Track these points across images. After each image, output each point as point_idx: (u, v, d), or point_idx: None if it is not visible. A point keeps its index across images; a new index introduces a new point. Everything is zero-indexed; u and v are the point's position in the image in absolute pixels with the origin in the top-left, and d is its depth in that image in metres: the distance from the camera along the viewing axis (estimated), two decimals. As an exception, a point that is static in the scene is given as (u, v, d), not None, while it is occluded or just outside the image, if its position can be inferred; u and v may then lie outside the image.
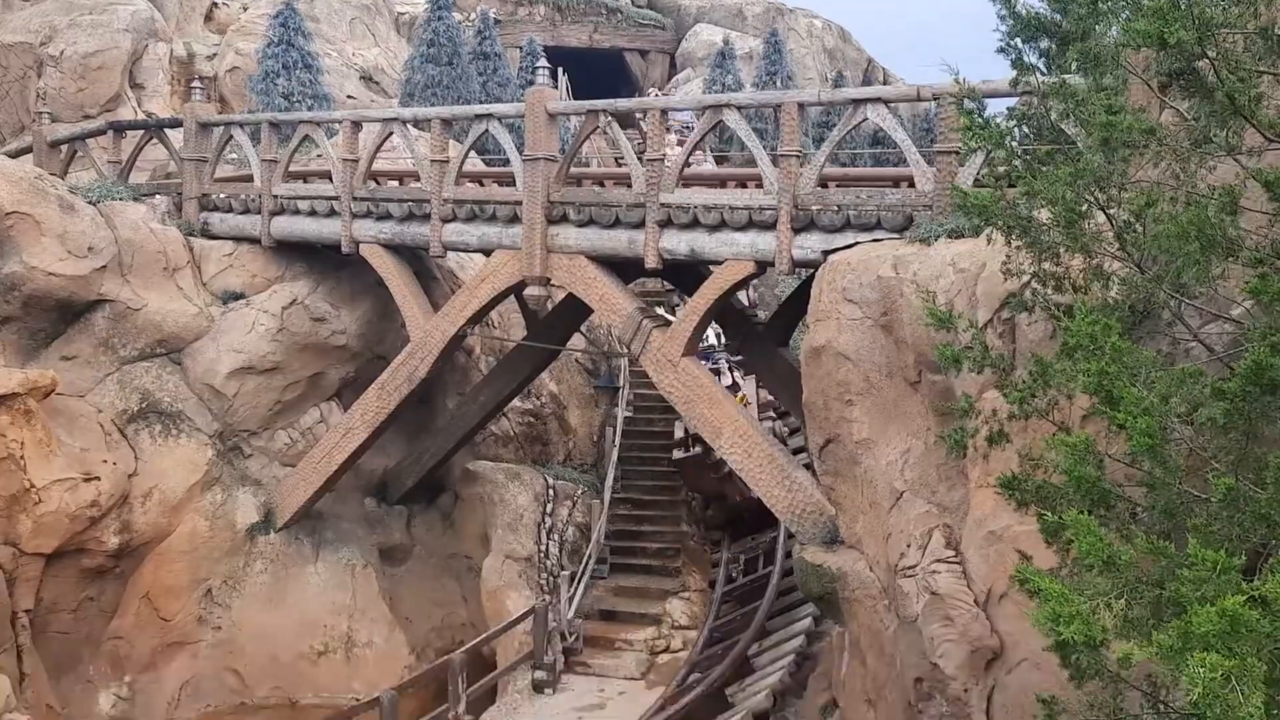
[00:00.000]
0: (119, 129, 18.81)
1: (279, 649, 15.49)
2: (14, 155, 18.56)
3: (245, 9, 31.19)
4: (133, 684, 14.87)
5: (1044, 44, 6.87)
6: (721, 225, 12.34)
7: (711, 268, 13.46)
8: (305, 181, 17.30)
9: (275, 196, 16.50)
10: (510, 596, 15.81)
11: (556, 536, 16.99)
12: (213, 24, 31.11)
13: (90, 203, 16.02)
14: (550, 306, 16.47)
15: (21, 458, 13.65)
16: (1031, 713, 7.46)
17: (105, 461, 14.68)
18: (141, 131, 18.72)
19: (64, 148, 19.19)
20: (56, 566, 14.22)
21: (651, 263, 12.92)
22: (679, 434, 17.74)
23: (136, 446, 15.29)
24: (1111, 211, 5.38)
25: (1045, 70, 6.76)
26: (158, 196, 17.77)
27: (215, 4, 31.88)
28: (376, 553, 16.75)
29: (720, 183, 14.80)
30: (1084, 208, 5.48)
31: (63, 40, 25.83)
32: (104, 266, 15.48)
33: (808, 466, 12.24)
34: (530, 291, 14.15)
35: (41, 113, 20.05)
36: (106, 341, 15.51)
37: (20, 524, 13.64)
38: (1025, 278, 6.18)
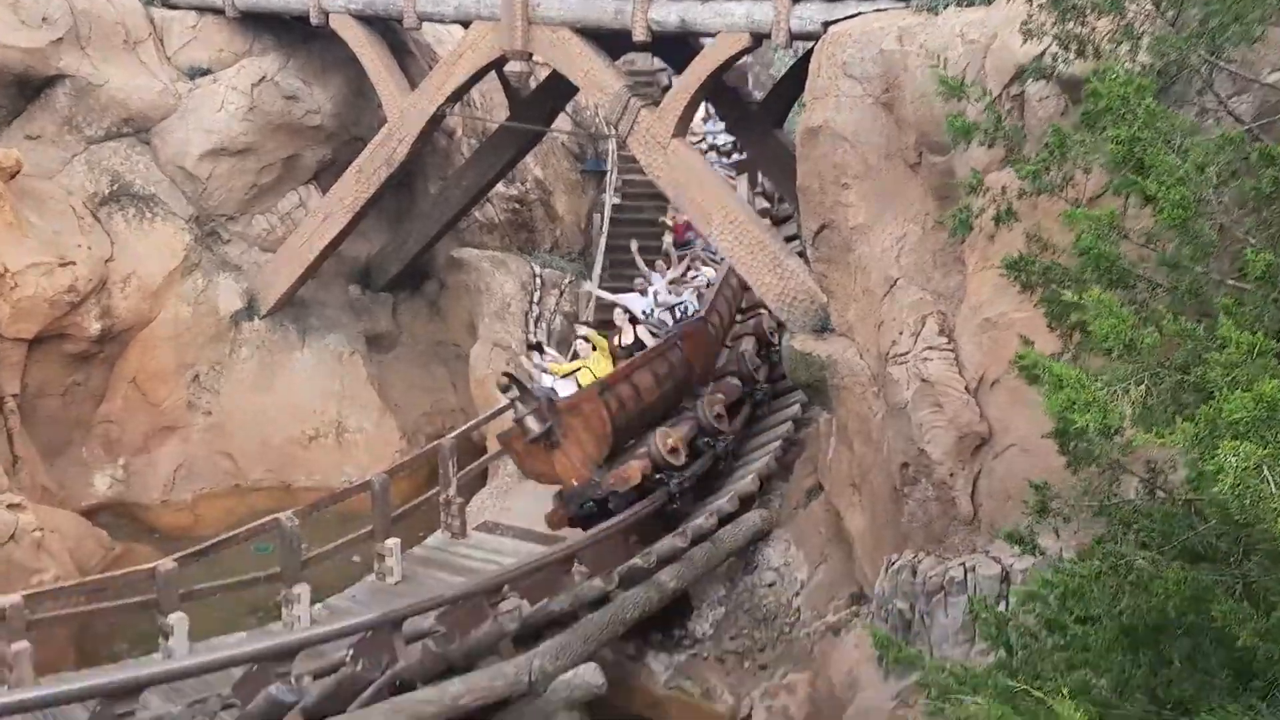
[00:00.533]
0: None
1: (270, 434, 15.60)
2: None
3: None
4: (127, 466, 15.03)
5: None
6: (716, -7, 11.57)
7: (704, 41, 12.72)
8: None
9: (239, -37, 15.37)
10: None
11: (544, 325, 16.86)
12: None
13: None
14: (533, 84, 15.72)
15: (-8, 241, 13.26)
16: (1017, 496, 7.51)
17: (80, 246, 14.29)
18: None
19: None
20: (40, 352, 14.07)
21: (640, 35, 12.20)
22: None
23: (111, 231, 14.87)
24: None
25: None
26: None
27: None
28: (363, 340, 16.64)
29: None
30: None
31: None
32: (60, 39, 14.59)
33: (800, 255, 11.97)
34: (511, 68, 13.43)
35: None
36: (70, 120, 14.83)
37: (-2, 309, 13.40)
38: (1047, 40, 5.71)
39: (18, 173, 13.73)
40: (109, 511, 14.66)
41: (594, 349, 12.32)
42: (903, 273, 9.40)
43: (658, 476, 11.50)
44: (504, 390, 11.04)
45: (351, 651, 8.29)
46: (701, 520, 11.34)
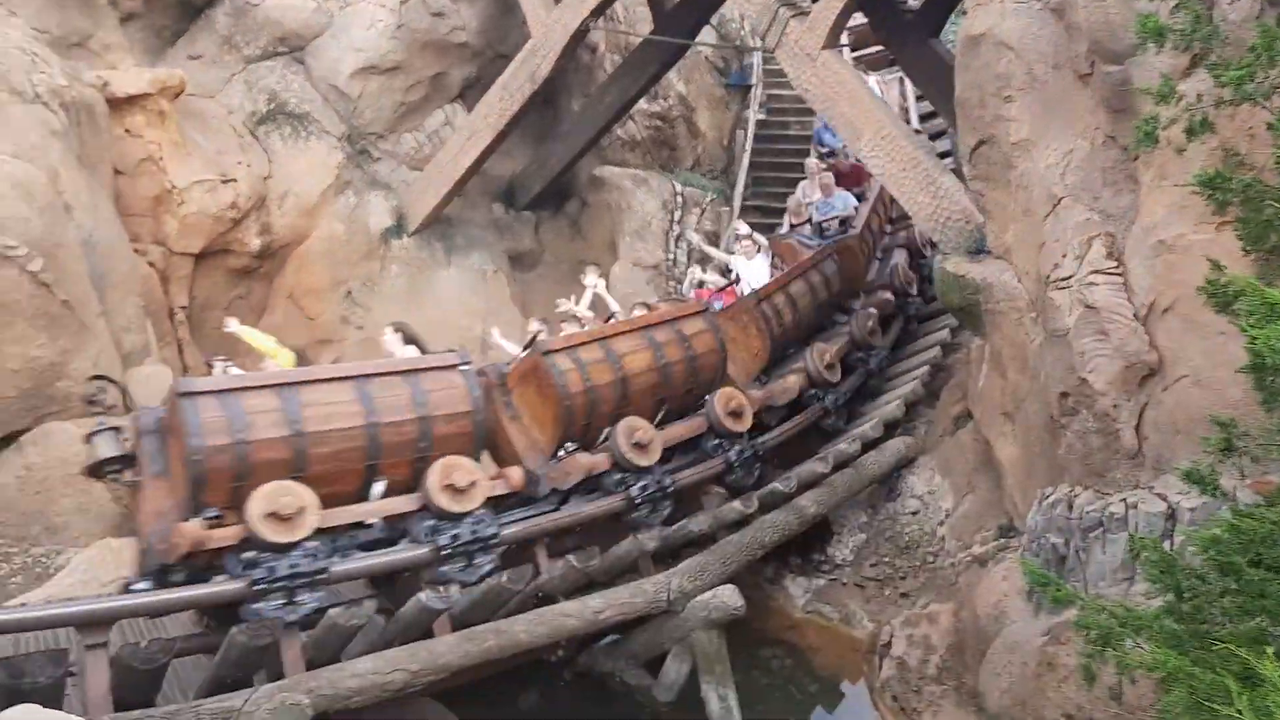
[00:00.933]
0: None
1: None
2: None
3: None
4: (285, 376, 15.69)
5: None
6: (873, -104, 10.98)
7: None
8: None
9: (386, -122, 15.40)
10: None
11: (684, 244, 16.71)
12: None
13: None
14: (677, -3, 15.35)
15: (160, 159, 13.83)
16: (1188, 432, 7.07)
17: (240, 163, 14.78)
18: None
19: None
20: (205, 266, 14.71)
21: (791, -58, 11.70)
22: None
23: (268, 149, 15.32)
24: None
25: None
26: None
27: None
28: (506, 258, 16.82)
29: None
30: None
31: None
32: (218, -41, 14.96)
33: (954, 172, 11.43)
34: (657, -22, 13.10)
35: None
36: (229, 39, 15.26)
37: (166, 224, 14.01)
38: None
39: (181, 92, 14.24)
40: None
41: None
42: (1068, 191, 8.84)
43: (812, 392, 11.36)
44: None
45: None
46: (844, 445, 11.15)
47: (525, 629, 7.86)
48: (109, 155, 13.21)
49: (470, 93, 16.39)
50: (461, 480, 8.05)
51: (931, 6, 14.65)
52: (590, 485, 9.27)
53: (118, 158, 13.45)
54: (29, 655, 6.64)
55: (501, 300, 16.44)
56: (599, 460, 9.25)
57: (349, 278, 15.84)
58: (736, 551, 9.37)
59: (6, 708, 6.16)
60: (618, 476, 9.27)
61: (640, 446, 9.32)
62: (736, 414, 10.19)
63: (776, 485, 10.24)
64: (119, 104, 13.42)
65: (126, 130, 13.59)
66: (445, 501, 7.98)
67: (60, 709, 6.28)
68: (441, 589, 7.71)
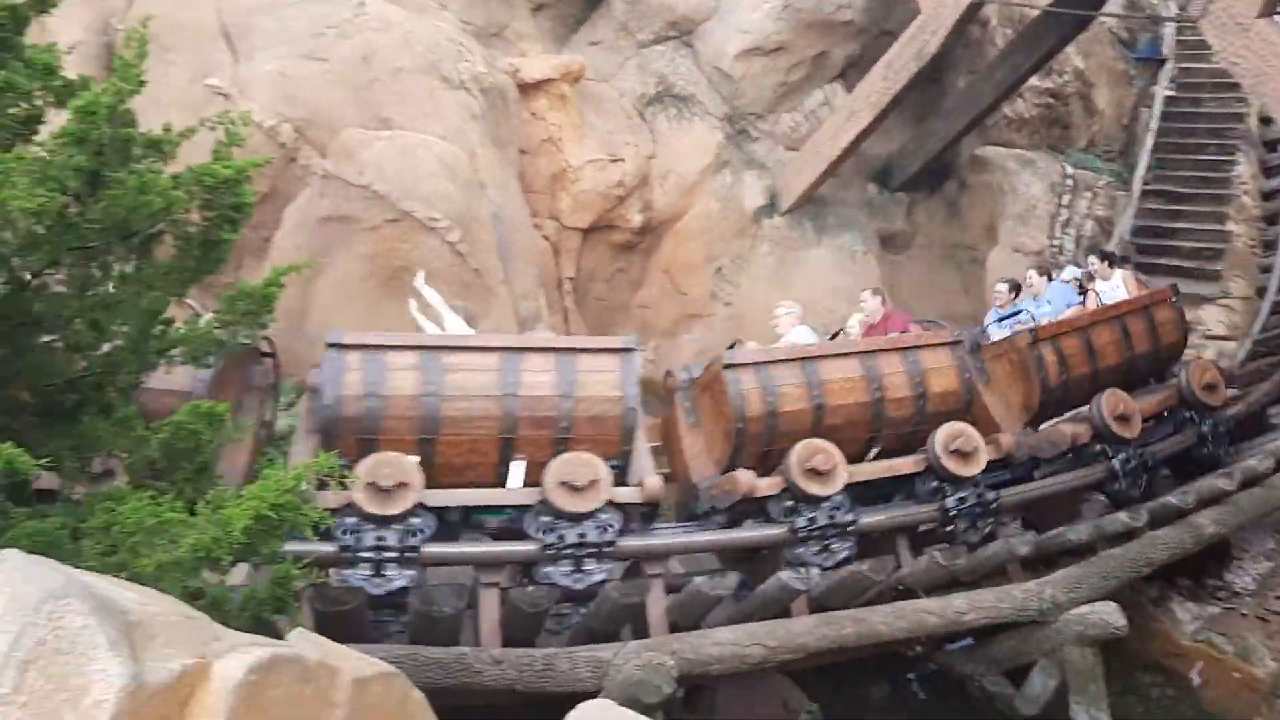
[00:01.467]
0: None
1: (783, 326, 16.18)
2: None
3: None
4: (657, 349, 16.44)
5: None
6: None
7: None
8: None
9: None
10: (1020, 291, 15.00)
11: (1072, 230, 15.62)
12: None
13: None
14: (1085, -34, 14.26)
15: (559, 139, 14.94)
16: None
17: (628, 144, 15.62)
18: None
19: None
20: (591, 240, 15.73)
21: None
22: None
23: (654, 130, 16.06)
24: None
25: None
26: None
27: None
28: (877, 239, 16.56)
29: None
30: None
31: None
32: (619, -50, 15.81)
33: None
34: (1064, -52, 12.25)
35: None
36: (625, 25, 16.12)
37: (560, 201, 15.13)
38: None
39: (581, 77, 15.26)
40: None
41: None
42: None
43: (1098, 448, 9.53)
44: None
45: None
46: (1254, 462, 9.97)
47: (884, 621, 7.76)
48: (517, 136, 14.44)
49: (851, 72, 16.24)
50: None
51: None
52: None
53: (523, 138, 14.68)
54: (437, 586, 7.46)
55: (869, 282, 16.18)
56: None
57: (721, 255, 16.30)
58: (1119, 567, 8.67)
59: (421, 630, 7.02)
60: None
61: (1124, 419, 9.32)
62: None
63: (1170, 499, 9.35)
64: (527, 88, 14.63)
65: (532, 113, 14.79)
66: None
67: (458, 640, 7.06)
68: (802, 570, 7.78)
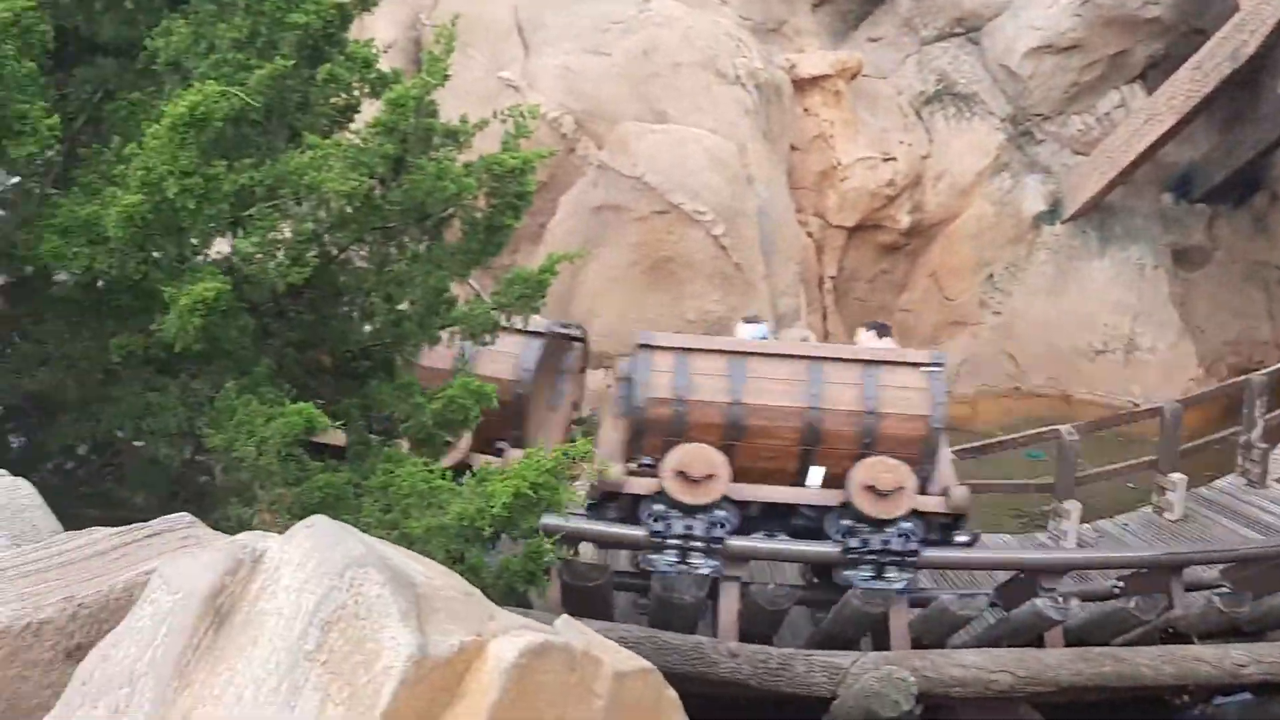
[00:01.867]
0: None
1: (1056, 340, 15.33)
2: None
3: None
4: (919, 354, 16.01)
5: None
6: None
7: None
8: None
9: None
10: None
11: None
12: None
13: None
14: None
15: (830, 136, 14.79)
16: None
17: (901, 143, 15.25)
18: None
19: None
20: (856, 239, 15.48)
21: None
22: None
23: (930, 129, 15.59)
24: None
25: None
26: None
27: None
28: (1169, 253, 15.36)
29: None
30: None
31: None
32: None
33: None
34: None
35: None
36: (909, 22, 15.73)
37: (827, 198, 14.99)
38: None
39: (858, 74, 15.02)
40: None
41: None
42: None
43: None
44: None
45: (1123, 585, 7.90)
46: None
47: (1149, 664, 7.22)
48: (789, 132, 14.42)
49: (1153, 72, 15.11)
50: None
51: None
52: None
53: (795, 134, 14.64)
54: (680, 575, 7.60)
55: (1158, 299, 15.08)
56: None
57: (993, 261, 15.62)
58: None
59: (660, 615, 7.20)
60: None
61: None
62: None
63: None
64: (802, 84, 14.58)
65: (805, 109, 14.73)
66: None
67: (695, 629, 7.18)
68: (1060, 599, 7.36)
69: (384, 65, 5.41)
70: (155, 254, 4.31)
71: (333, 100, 5.03)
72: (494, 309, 5.62)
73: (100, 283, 4.60)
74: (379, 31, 11.15)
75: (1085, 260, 15.31)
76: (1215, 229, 15.64)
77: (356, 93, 5.18)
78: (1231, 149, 14.96)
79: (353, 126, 5.19)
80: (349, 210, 4.68)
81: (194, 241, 4.45)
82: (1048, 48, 14.93)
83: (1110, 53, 15.00)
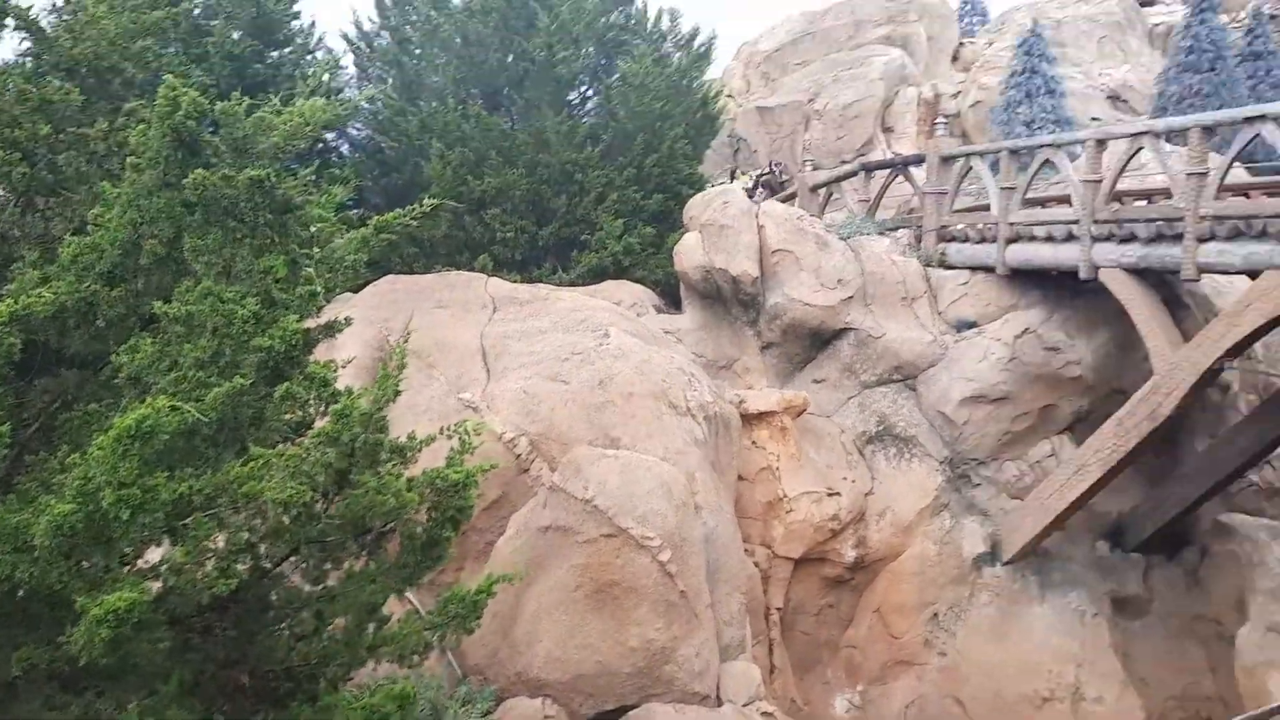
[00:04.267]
0: (868, 169, 20.20)
1: (1002, 686, 15.11)
2: (784, 200, 20.95)
3: (990, 44, 31.60)
4: (864, 693, 15.66)
5: None
6: None
7: None
8: (1043, 207, 16.85)
9: (1011, 224, 16.30)
10: (1274, 677, 13.50)
11: (1338, 614, 14.10)
12: (958, 63, 32.10)
13: (841, 239, 17.44)
14: (1336, 338, 13.79)
15: (777, 469, 15.27)
16: None
17: (845, 479, 15.74)
18: (888, 170, 19.86)
19: (821, 190, 21.14)
20: (801, 572, 15.58)
21: None
22: None
23: (872, 467, 16.15)
24: None
25: None
26: (899, 230, 18.70)
27: (961, 43, 32.87)
28: (1108, 602, 15.52)
29: None
30: None
31: (826, 95, 28.72)
32: (850, 297, 16.70)
33: None
34: (1309, 320, 11.99)
35: (806, 160, 22.38)
36: (850, 367, 16.69)
37: (774, 529, 15.23)
38: None
39: (803, 411, 15.76)
40: (844, 735, 15.33)
41: None
42: None
43: None
44: None
45: None
46: None
47: None
48: (736, 463, 14.89)
49: (1080, 426, 15.96)
50: None
51: None
52: None
53: (742, 465, 15.10)
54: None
55: (1099, 648, 15.06)
56: None
57: (937, 600, 15.69)
58: None
59: None
60: None
61: None
62: None
63: None
64: (750, 419, 15.23)
65: (753, 442, 15.29)
66: None
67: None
68: None
69: (345, 382, 5.71)
70: (83, 563, 4.31)
71: (286, 416, 5.27)
72: (427, 629, 5.61)
73: (20, 592, 4.56)
74: (346, 349, 11.70)
75: (1026, 605, 15.42)
76: (1151, 580, 15.92)
77: (312, 410, 5.43)
78: (1159, 503, 15.55)
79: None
80: (285, 521, 4.78)
81: (126, 550, 4.48)
82: (980, 398, 15.82)
83: (1039, 406, 15.90)
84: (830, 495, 15.47)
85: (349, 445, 4.87)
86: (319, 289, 5.31)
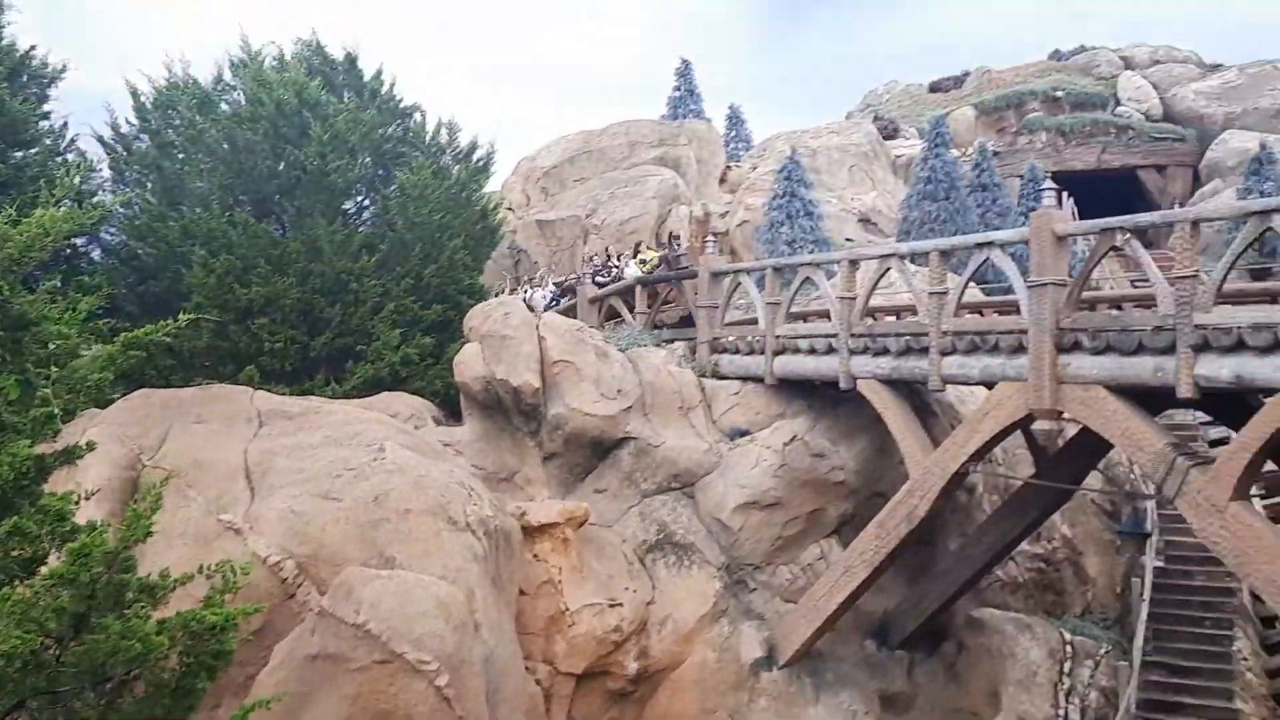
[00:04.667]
0: (644, 284, 20.82)
1: (784, 791, 15.29)
2: (562, 312, 21.25)
3: (754, 168, 33.70)
4: (647, 809, 15.43)
5: None
6: (1276, 346, 10.59)
7: (1263, 399, 11.54)
8: (805, 321, 17.85)
9: (778, 337, 17.15)
10: (1028, 765, 14.31)
11: (1077, 700, 15.19)
12: (726, 184, 34.02)
13: (620, 350, 17.80)
14: (1061, 442, 15.14)
15: (559, 582, 15.09)
16: None
17: (627, 589, 15.74)
18: (664, 284, 20.55)
19: (600, 303, 21.60)
20: (584, 687, 15.33)
21: (1185, 392, 11.37)
22: None
23: (654, 575, 16.25)
24: None
25: None
26: (676, 342, 19.30)
27: (729, 166, 34.91)
28: (878, 699, 16.10)
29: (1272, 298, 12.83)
30: None
31: (604, 210, 29.72)
32: (629, 407, 16.99)
33: None
34: (1039, 426, 13.13)
35: (584, 273, 22.85)
36: (630, 476, 16.88)
37: (556, 644, 14.97)
38: None
39: (585, 522, 15.74)
40: None
41: None
42: None
43: None
44: None
45: None
46: None
47: None
48: (517, 577, 14.62)
49: (846, 529, 16.71)
50: None
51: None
52: None
53: (523, 579, 14.85)
54: None
55: (872, 748, 15.53)
56: None
57: (717, 708, 15.78)
58: None
59: None
60: None
61: None
62: None
63: None
64: (531, 531, 15.06)
65: (535, 555, 15.10)
66: None
67: None
68: None
69: (90, 513, 5.25)
70: None
71: (15, 553, 4.78)
72: (172, 781, 5.13)
73: None
74: (92, 472, 10.79)
75: (803, 707, 15.74)
76: (915, 675, 16.65)
77: (45, 545, 4.95)
78: (918, 601, 16.39)
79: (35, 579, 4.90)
80: (8, 671, 4.29)
81: None
82: (754, 504, 16.32)
83: (808, 510, 16.57)
84: (612, 606, 15.41)
85: (89, 586, 4.45)
86: (56, 410, 4.90)
